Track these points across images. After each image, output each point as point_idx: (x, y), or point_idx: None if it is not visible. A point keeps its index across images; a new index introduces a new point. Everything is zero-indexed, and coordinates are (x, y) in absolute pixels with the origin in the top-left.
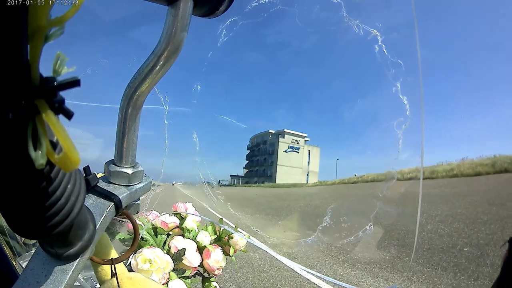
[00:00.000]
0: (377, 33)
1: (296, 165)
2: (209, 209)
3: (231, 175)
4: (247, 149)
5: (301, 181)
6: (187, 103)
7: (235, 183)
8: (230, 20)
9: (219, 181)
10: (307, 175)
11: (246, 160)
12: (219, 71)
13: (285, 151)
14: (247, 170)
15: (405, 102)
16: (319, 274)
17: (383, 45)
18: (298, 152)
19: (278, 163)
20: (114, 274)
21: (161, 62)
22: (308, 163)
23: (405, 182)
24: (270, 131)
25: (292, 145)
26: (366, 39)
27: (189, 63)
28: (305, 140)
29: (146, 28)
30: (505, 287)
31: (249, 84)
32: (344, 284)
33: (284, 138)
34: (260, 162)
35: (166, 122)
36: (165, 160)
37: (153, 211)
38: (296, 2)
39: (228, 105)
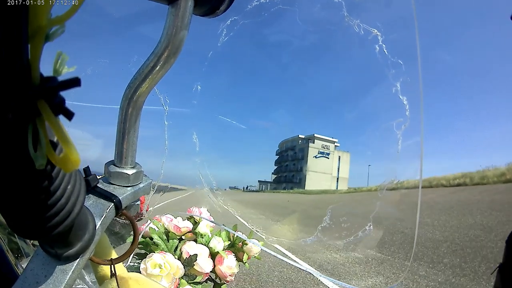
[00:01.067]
0: (378, 33)
1: (326, 171)
2: (238, 218)
3: (259, 181)
4: (276, 155)
5: (330, 188)
6: (188, 103)
7: (263, 188)
8: (230, 19)
9: (247, 186)
10: (337, 181)
11: (275, 165)
12: (219, 71)
13: (315, 156)
14: (275, 176)
15: (404, 103)
16: (329, 278)
17: (384, 45)
18: (328, 158)
19: (308, 169)
20: (113, 274)
21: (161, 62)
22: (338, 169)
23: (452, 188)
24: (300, 136)
25: (322, 151)
26: (366, 39)
27: (189, 63)
28: (335, 146)
29: (147, 27)
30: None
31: (249, 83)
32: (345, 284)
33: (314, 143)
34: (289, 167)
35: (166, 122)
36: (164, 160)
37: (167, 214)
38: (296, 1)
39: (228, 105)
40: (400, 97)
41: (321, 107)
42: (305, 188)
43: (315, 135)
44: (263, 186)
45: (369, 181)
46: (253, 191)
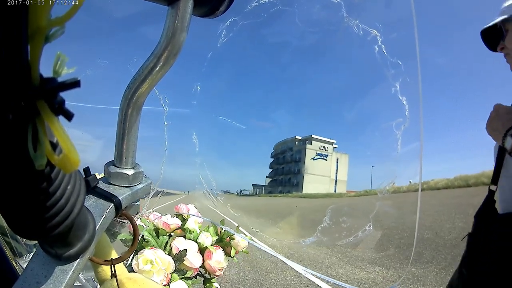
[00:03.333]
0: (377, 33)
1: (324, 174)
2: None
3: (253, 185)
4: (271, 157)
5: (329, 191)
6: (188, 104)
7: (257, 192)
8: (230, 20)
9: (241, 190)
10: (335, 184)
11: (270, 168)
12: (219, 71)
13: (313, 158)
14: (270, 179)
15: (404, 103)
16: (319, 275)
17: (383, 46)
18: (326, 160)
19: (305, 171)
20: (114, 275)
21: (161, 63)
22: (336, 171)
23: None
24: (297, 137)
25: (320, 152)
26: (366, 39)
27: (189, 64)
28: (333, 147)
29: (147, 28)
30: (464, 274)
31: (248, 84)
32: (344, 285)
33: (311, 144)
34: (286, 170)
35: (165, 123)
36: (164, 161)
37: (155, 212)
38: (296, 2)
39: (227, 106)
40: (400, 97)
41: (321, 108)
42: (303, 192)
43: (313, 136)
44: (258, 190)
45: (372, 184)
46: (247, 195)
